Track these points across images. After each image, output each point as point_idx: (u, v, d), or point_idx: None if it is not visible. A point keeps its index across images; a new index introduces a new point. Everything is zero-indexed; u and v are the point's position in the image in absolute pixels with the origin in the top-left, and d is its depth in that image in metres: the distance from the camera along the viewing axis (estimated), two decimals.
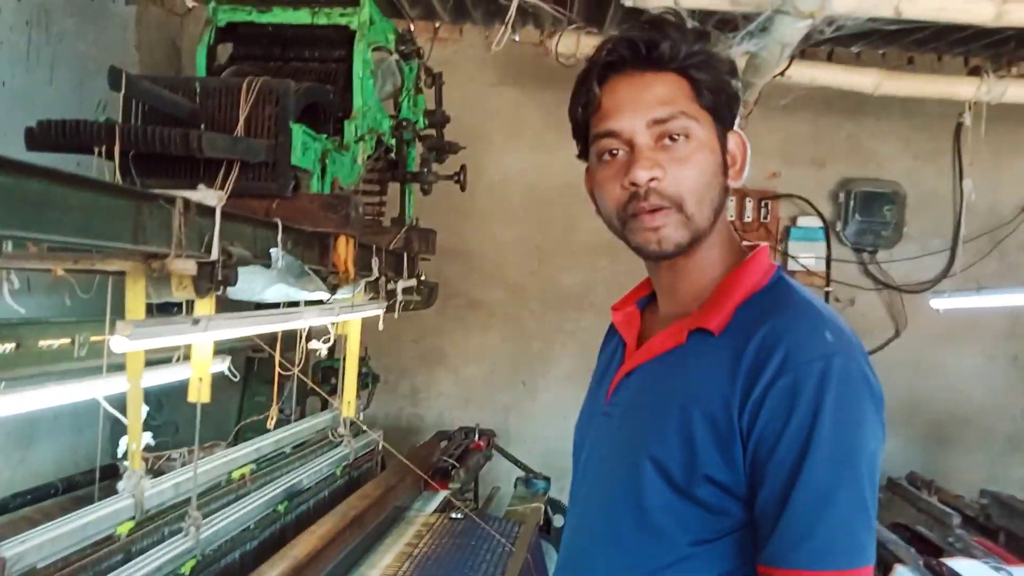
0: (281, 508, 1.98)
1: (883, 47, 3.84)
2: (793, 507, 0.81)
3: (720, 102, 0.95)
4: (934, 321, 3.74)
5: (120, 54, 3.57)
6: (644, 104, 0.93)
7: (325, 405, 2.88)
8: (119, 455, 1.85)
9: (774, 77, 2.54)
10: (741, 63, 2.42)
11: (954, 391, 3.91)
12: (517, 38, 3.98)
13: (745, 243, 1.03)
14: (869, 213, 3.84)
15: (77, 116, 1.51)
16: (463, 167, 2.68)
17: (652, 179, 0.90)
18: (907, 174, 3.90)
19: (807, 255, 3.94)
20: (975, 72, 2.73)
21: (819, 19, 1.86)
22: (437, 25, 4.04)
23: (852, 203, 3.86)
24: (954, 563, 2.20)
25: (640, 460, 0.90)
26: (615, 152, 0.94)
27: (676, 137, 0.92)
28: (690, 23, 1.02)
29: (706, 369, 0.90)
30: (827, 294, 3.92)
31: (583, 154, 1.01)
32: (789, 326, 0.87)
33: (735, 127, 0.99)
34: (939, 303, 3.33)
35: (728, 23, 2.26)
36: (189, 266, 1.31)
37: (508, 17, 2.05)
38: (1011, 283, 3.48)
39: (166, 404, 2.93)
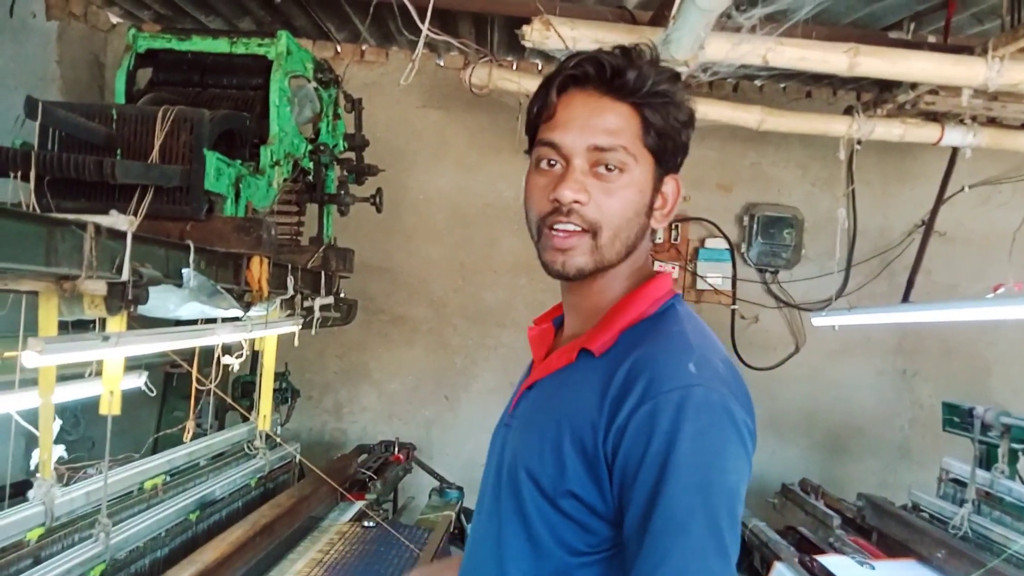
0: (193, 517, 2.05)
1: (784, 82, 4.16)
2: (650, 534, 0.81)
3: (664, 146, 0.95)
4: (830, 337, 4.02)
5: (41, 69, 3.59)
6: (591, 128, 0.92)
7: (246, 419, 2.94)
8: (32, 468, 1.91)
9: None
10: None
11: (848, 403, 4.20)
12: (442, 63, 4.15)
13: (657, 269, 1.04)
14: (770, 236, 4.11)
15: None
16: (379, 190, 2.80)
17: (576, 201, 0.91)
18: (805, 200, 4.18)
19: (714, 275, 4.18)
20: (848, 112, 3.00)
21: (694, 66, 2.05)
22: (363, 48, 4.17)
23: (755, 226, 4.12)
24: (826, 560, 2.40)
25: (519, 470, 0.93)
26: (552, 163, 0.95)
27: (611, 168, 0.92)
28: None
29: (582, 389, 0.91)
30: (733, 312, 4.17)
31: (530, 151, 1.00)
32: (655, 355, 0.88)
33: (676, 172, 0.99)
34: (819, 321, 3.59)
35: None
36: (99, 287, 1.40)
37: (416, 54, 2.18)
38: (897, 301, 3.77)
39: (83, 420, 2.96)
